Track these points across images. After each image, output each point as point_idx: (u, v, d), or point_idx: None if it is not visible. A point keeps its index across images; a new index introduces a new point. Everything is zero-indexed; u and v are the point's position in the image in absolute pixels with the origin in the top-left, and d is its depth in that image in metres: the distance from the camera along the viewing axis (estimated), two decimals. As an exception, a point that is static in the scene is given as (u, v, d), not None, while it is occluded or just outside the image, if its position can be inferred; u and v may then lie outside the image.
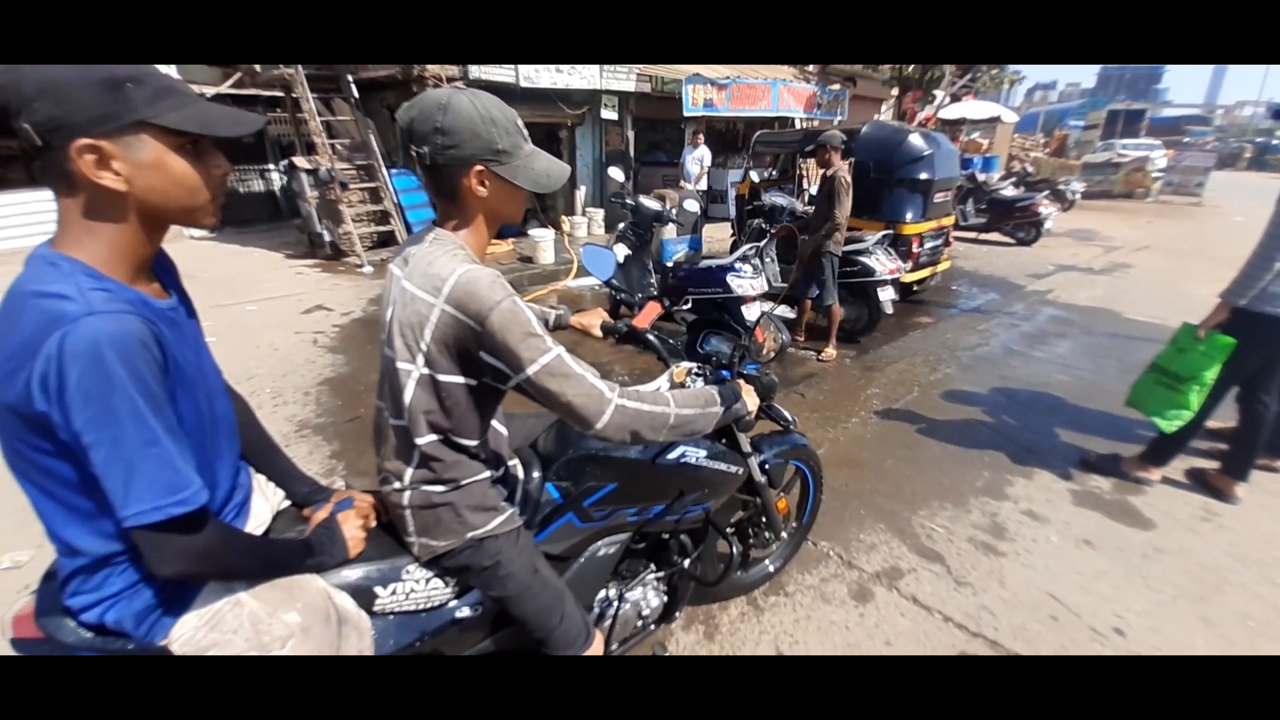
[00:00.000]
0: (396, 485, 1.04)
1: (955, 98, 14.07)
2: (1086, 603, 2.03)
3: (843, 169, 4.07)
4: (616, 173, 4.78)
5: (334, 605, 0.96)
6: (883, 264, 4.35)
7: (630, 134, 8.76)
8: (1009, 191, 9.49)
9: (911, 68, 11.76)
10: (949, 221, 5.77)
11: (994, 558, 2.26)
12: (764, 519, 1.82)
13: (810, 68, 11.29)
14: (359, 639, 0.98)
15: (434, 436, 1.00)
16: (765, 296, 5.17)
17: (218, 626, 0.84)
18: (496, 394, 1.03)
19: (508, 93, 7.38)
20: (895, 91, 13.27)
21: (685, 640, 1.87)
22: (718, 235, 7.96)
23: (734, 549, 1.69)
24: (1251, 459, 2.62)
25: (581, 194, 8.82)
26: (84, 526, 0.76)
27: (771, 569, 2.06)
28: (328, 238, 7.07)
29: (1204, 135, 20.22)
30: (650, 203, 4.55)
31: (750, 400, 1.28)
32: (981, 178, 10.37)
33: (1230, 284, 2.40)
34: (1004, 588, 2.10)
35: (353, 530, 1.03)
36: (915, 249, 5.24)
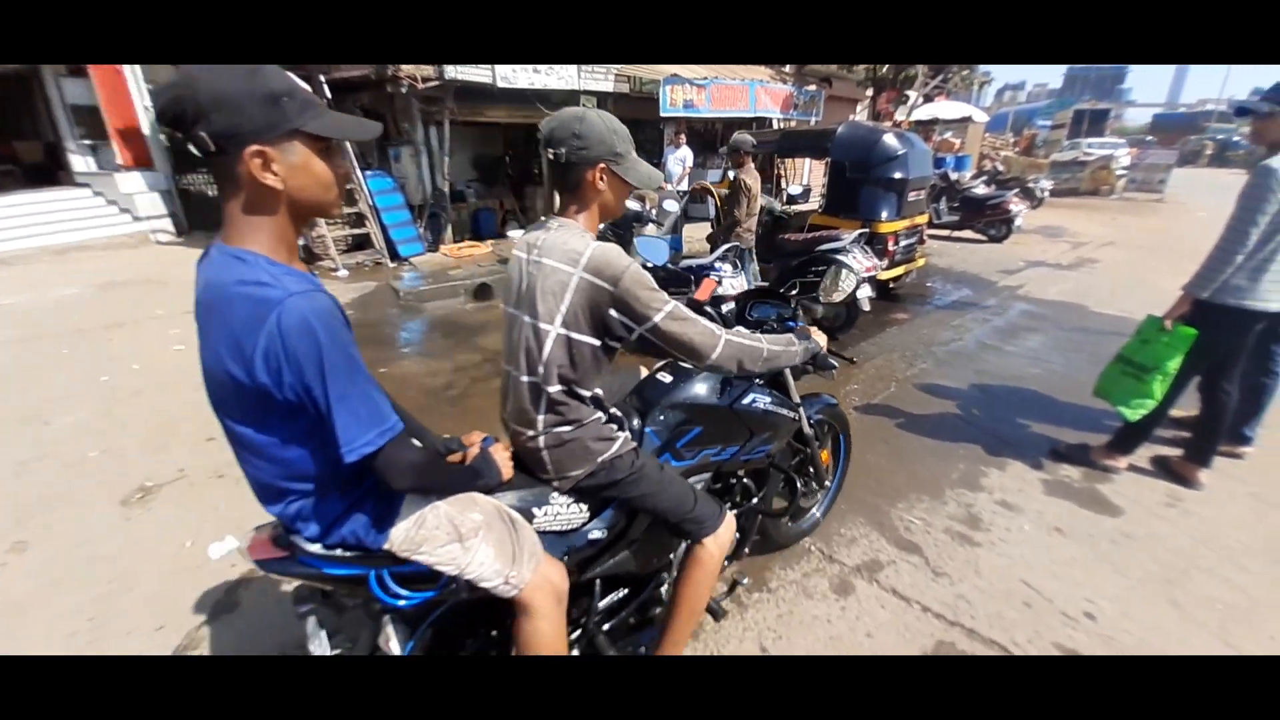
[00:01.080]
0: (530, 433, 1.27)
1: (928, 98, 14.34)
2: (1059, 589, 2.08)
3: (749, 172, 4.37)
4: None
5: (506, 512, 1.19)
6: (859, 262, 4.41)
7: (609, 134, 8.76)
8: (981, 190, 9.70)
9: (886, 69, 11.95)
10: (923, 220, 5.88)
11: (970, 548, 2.31)
12: (811, 468, 2.09)
13: (787, 69, 11.41)
14: (531, 540, 1.19)
15: (560, 387, 1.22)
16: (747, 295, 5.26)
17: (423, 526, 1.06)
18: (611, 352, 1.26)
19: (484, 93, 7.33)
20: (870, 92, 13.48)
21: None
22: (699, 235, 7.99)
23: (797, 483, 1.97)
24: (1214, 446, 2.72)
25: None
26: (303, 469, 0.94)
27: (819, 515, 2.33)
28: (300, 241, 6.95)
29: (1221, 133, 19.42)
30: (630, 203, 4.55)
31: (820, 338, 1.55)
32: (954, 176, 10.60)
33: (1193, 277, 2.47)
34: (980, 577, 2.15)
35: (503, 459, 1.24)
36: (891, 247, 5.33)
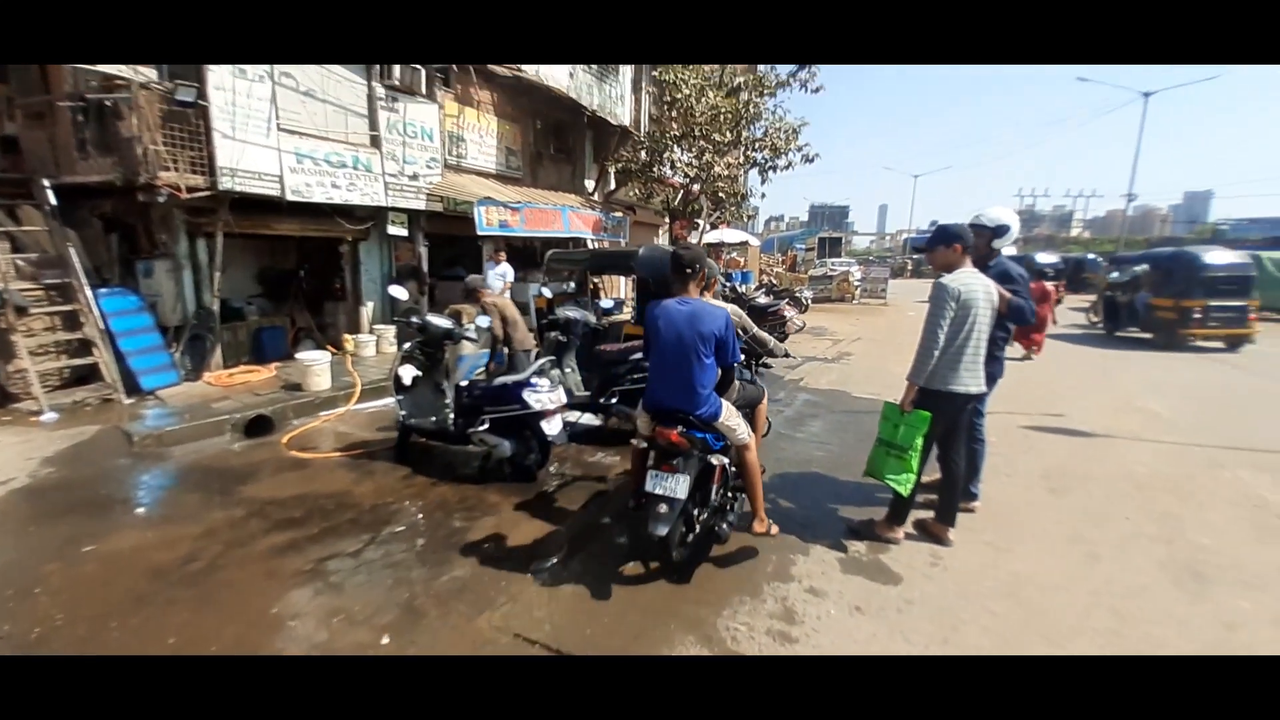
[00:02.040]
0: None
1: (714, 226, 17.09)
2: (867, 672, 2.20)
3: (498, 303, 5.07)
4: (398, 291, 4.53)
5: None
6: (668, 368, 4.75)
7: (423, 249, 8.59)
8: (762, 300, 11.52)
9: (676, 201, 14.02)
10: (719, 327, 6.70)
11: (789, 645, 2.36)
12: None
13: (595, 196, 12.72)
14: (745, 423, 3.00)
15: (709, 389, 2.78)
16: (569, 407, 5.25)
17: (731, 417, 2.82)
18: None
19: (272, 205, 6.74)
20: (667, 220, 15.61)
21: None
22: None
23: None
24: (955, 506, 3.28)
25: (368, 311, 8.19)
26: (709, 379, 2.74)
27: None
28: (-15, 377, 5.27)
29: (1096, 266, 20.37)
30: (439, 320, 4.37)
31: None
32: (741, 289, 12.50)
33: (910, 368, 3.08)
34: (802, 676, 2.18)
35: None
36: (696, 352, 5.90)
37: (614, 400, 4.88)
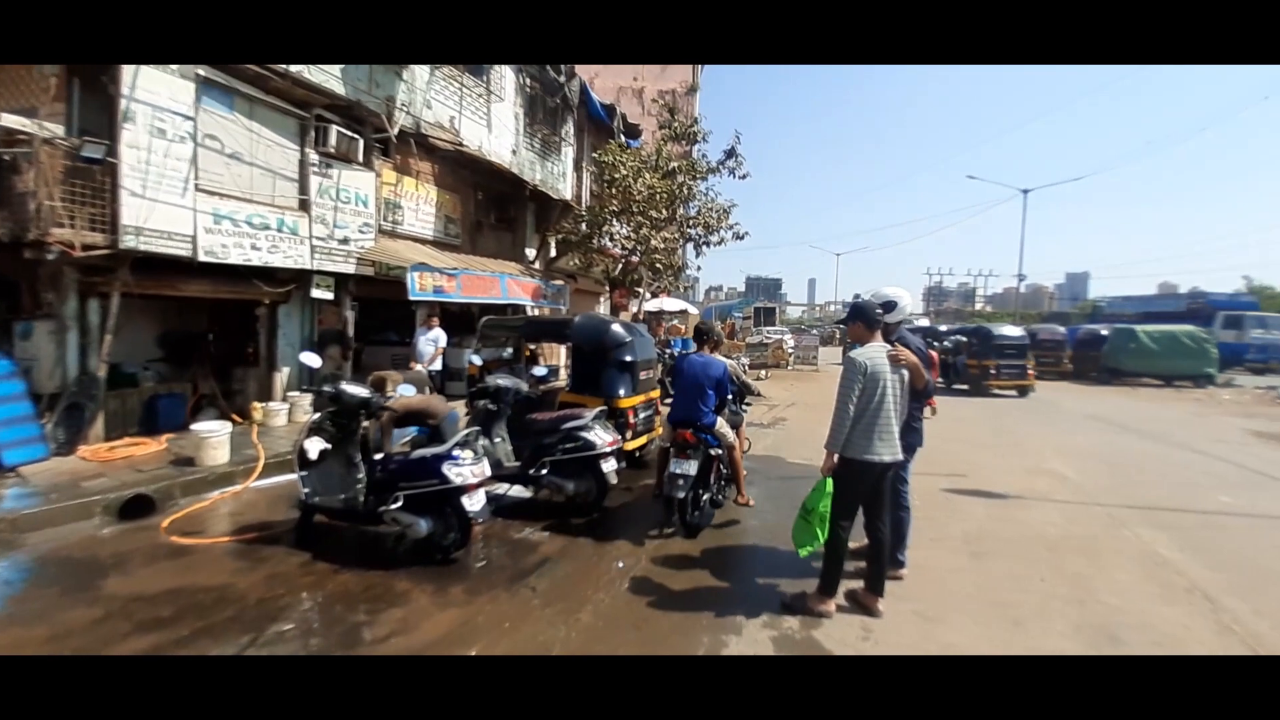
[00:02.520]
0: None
1: (654, 295, 17.61)
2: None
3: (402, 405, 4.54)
4: (310, 358, 4.23)
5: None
6: (602, 437, 4.63)
7: (349, 313, 8.26)
8: (700, 366, 11.75)
9: (617, 270, 14.42)
10: (656, 394, 6.69)
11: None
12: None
13: (536, 265, 12.88)
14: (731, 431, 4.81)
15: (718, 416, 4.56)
16: (496, 479, 4.98)
17: (723, 426, 4.53)
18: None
19: (181, 266, 6.34)
20: (608, 288, 15.95)
21: None
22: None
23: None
24: (882, 574, 3.27)
25: (282, 377, 7.65)
26: (711, 403, 4.42)
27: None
28: None
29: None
30: (354, 389, 4.08)
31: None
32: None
33: (827, 437, 3.16)
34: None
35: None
36: (631, 420, 5.83)
37: (544, 471, 4.68)
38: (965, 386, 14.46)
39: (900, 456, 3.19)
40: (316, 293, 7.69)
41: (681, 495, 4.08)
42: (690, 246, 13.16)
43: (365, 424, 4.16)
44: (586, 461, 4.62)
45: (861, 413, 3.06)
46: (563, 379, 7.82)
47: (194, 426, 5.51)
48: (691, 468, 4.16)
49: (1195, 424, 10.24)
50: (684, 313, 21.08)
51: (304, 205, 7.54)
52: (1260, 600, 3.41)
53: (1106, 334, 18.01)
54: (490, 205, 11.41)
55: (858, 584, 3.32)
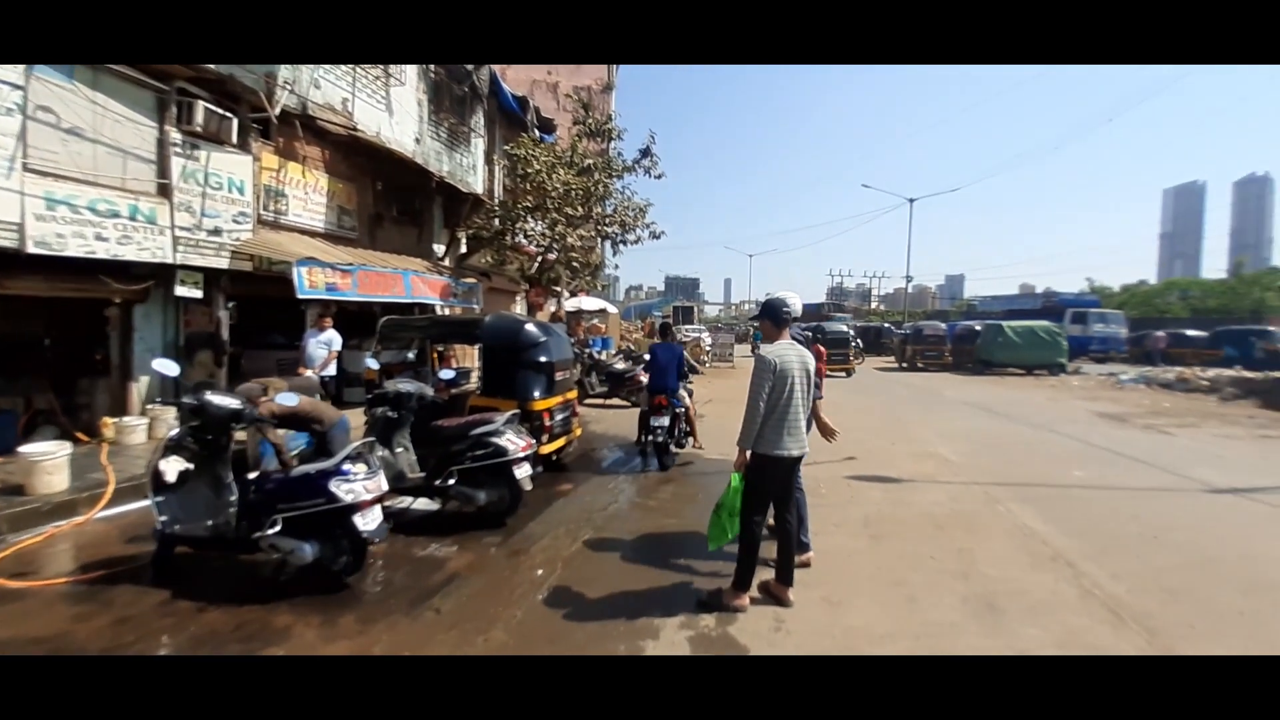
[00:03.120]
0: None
1: (573, 293, 17.36)
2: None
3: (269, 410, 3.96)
4: (165, 366, 3.66)
5: None
6: (514, 443, 4.43)
7: (223, 313, 7.35)
8: (620, 365, 11.74)
9: (534, 268, 14.04)
10: (573, 395, 6.54)
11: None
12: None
13: (446, 262, 12.21)
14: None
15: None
16: (399, 491, 4.61)
17: (681, 392, 6.60)
18: None
19: (7, 259, 5.32)
20: (525, 286, 15.49)
21: None
22: (357, 422, 7.01)
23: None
24: (791, 564, 3.36)
25: (140, 388, 6.67)
26: (675, 376, 6.30)
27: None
28: None
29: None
30: (221, 399, 3.58)
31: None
32: (600, 355, 12.65)
33: (739, 434, 3.20)
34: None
35: None
36: (547, 422, 5.64)
37: (452, 481, 4.39)
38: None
39: (807, 449, 3.29)
40: (181, 290, 6.75)
41: (660, 440, 6.18)
42: (608, 245, 13.07)
43: (238, 438, 3.68)
44: (498, 469, 4.39)
45: (772, 409, 3.13)
46: (475, 382, 7.46)
47: (23, 448, 4.63)
48: (665, 420, 6.16)
49: (1051, 408, 11.68)
50: (603, 312, 20.96)
51: (164, 190, 6.60)
52: (1113, 564, 3.89)
53: (979, 330, 20.15)
54: (392, 197, 10.65)
55: (769, 575, 3.39)
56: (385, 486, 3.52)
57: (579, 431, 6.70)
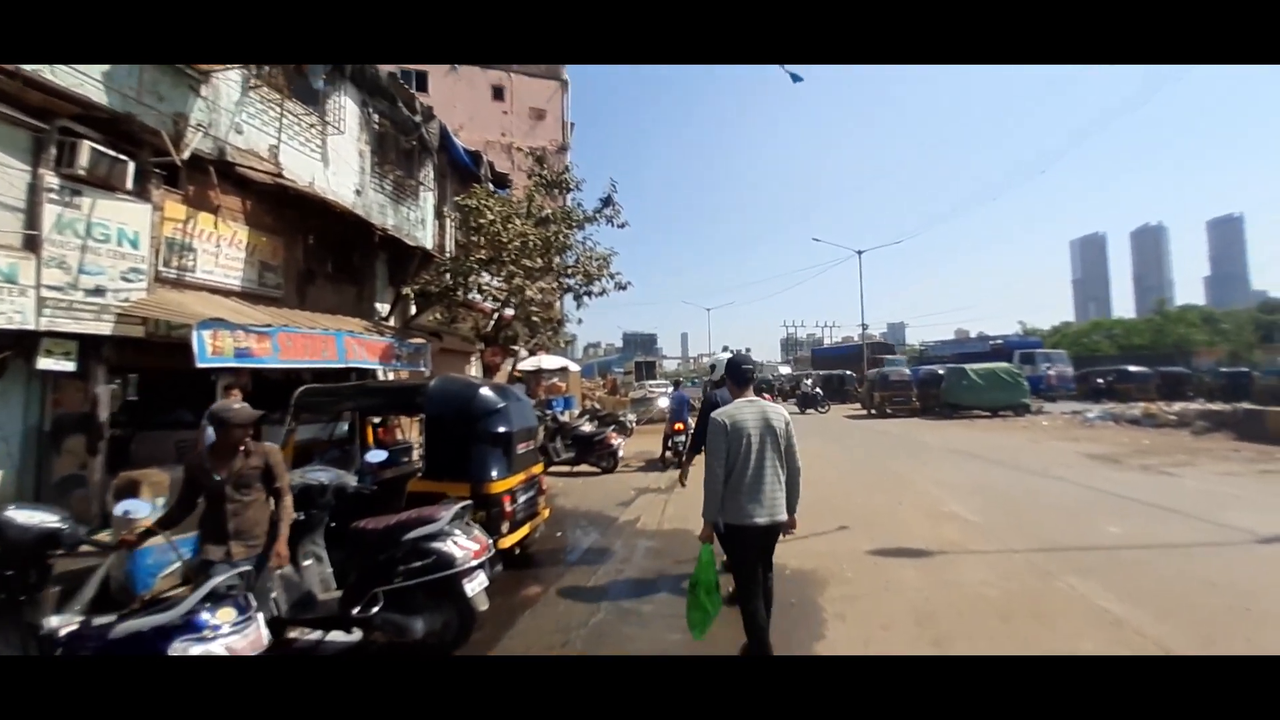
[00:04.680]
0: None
1: (532, 351, 16.36)
2: None
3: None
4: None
5: None
6: (464, 547, 3.34)
7: (103, 389, 6.00)
8: (587, 427, 10.72)
9: (489, 326, 13.06)
10: (539, 469, 5.49)
11: None
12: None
13: (392, 322, 11.11)
14: None
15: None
16: (303, 623, 3.42)
17: (689, 421, 8.91)
18: None
19: None
20: (481, 346, 14.42)
21: None
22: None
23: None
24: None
25: (-23, 488, 5.19)
26: (686, 411, 9.88)
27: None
28: None
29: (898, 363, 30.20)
30: (26, 516, 2.42)
31: None
32: (564, 417, 11.58)
33: (703, 503, 2.95)
34: None
35: None
36: (509, 508, 4.57)
37: (376, 609, 3.23)
38: None
39: (782, 517, 2.90)
40: (45, 363, 5.43)
41: (683, 450, 7.17)
42: (570, 298, 12.31)
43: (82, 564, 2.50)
44: (442, 584, 3.28)
45: (729, 473, 2.88)
46: (418, 461, 6.27)
47: None
48: (684, 439, 8.63)
49: (1036, 450, 11.30)
50: (564, 370, 19.94)
51: (30, 243, 5.42)
52: (1226, 652, 3.09)
53: (943, 373, 20.25)
54: (327, 252, 9.63)
55: None
56: (264, 637, 2.38)
57: (547, 513, 5.60)
